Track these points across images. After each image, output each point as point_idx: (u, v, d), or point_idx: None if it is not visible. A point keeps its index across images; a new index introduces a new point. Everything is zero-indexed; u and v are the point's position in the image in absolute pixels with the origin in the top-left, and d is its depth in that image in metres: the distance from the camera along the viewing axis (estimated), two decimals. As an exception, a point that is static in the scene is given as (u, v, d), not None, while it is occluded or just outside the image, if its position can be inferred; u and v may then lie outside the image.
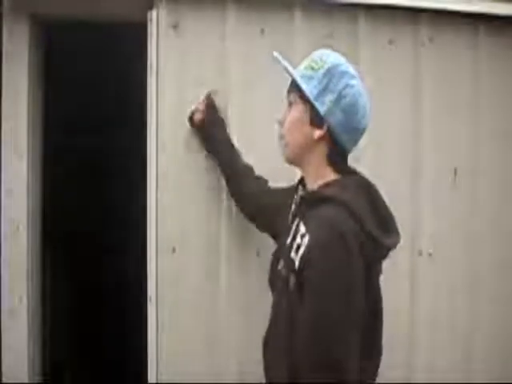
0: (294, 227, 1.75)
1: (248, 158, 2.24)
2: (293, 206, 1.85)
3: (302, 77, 1.73)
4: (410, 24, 2.40)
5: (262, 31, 2.30)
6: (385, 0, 2.33)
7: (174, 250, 2.25)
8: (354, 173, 1.80)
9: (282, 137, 1.81)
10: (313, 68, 1.73)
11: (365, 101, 1.74)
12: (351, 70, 1.75)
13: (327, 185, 1.74)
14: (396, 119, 2.42)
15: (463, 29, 2.43)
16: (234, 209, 2.27)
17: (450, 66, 2.45)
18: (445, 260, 2.44)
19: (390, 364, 2.11)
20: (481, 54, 2.47)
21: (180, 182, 2.26)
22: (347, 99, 1.70)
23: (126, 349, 2.44)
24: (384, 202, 1.76)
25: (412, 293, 2.41)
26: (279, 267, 1.77)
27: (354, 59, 2.25)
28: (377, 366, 1.77)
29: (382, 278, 2.06)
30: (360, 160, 2.25)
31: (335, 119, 1.71)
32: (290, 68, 1.76)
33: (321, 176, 1.76)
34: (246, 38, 2.28)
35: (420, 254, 2.42)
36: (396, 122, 2.42)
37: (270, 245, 2.18)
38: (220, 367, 2.28)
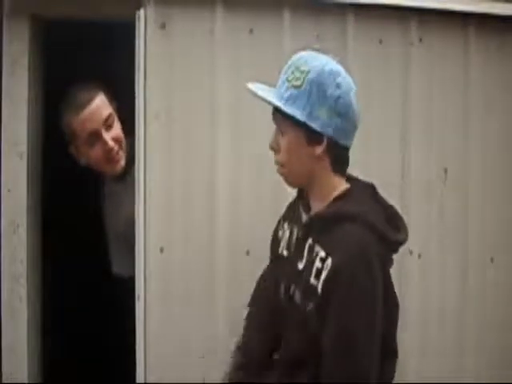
0: (306, 251, 1.56)
1: (238, 156, 2.12)
2: (295, 228, 1.66)
3: (287, 100, 1.51)
4: (400, 24, 2.23)
5: (251, 31, 2.13)
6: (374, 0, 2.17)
7: (161, 250, 2.09)
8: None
9: (279, 163, 1.60)
10: (296, 86, 1.50)
11: (353, 88, 1.56)
12: (334, 66, 1.54)
13: (340, 197, 1.56)
14: (385, 119, 2.25)
15: (453, 28, 2.27)
16: (224, 208, 2.13)
17: (440, 65, 2.28)
18: (434, 260, 2.29)
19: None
20: (470, 53, 2.30)
21: (168, 181, 2.11)
22: (340, 101, 1.50)
23: (127, 349, 2.25)
24: (388, 203, 1.63)
25: (401, 293, 2.17)
26: (291, 293, 1.59)
27: (343, 59, 2.12)
28: (394, 366, 1.63)
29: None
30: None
31: (334, 127, 1.51)
32: (271, 99, 1.53)
33: (330, 188, 1.58)
34: (234, 38, 2.12)
35: (410, 253, 2.25)
36: (385, 121, 2.25)
37: (260, 244, 2.04)
38: (208, 367, 2.12)
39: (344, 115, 1.50)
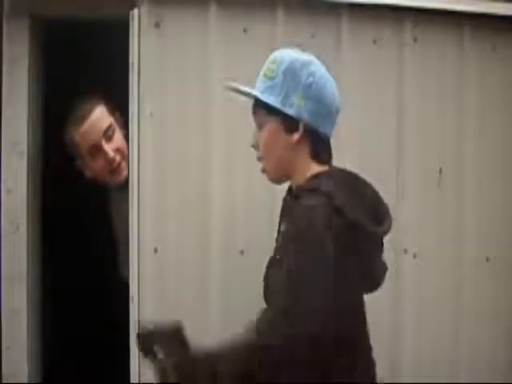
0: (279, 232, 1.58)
1: (232, 155, 2.03)
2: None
3: (264, 91, 1.52)
4: (394, 23, 2.14)
5: (245, 30, 2.05)
6: (368, -1, 2.11)
7: (155, 251, 2.00)
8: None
9: (260, 159, 1.59)
10: (270, 77, 1.52)
11: (329, 78, 1.55)
12: (306, 57, 1.54)
13: (314, 177, 1.52)
14: (380, 119, 2.16)
15: (448, 28, 2.18)
16: (218, 207, 2.04)
17: (435, 65, 2.19)
18: (429, 259, 2.19)
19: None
20: (465, 53, 2.21)
21: (162, 181, 2.02)
22: (313, 87, 1.50)
23: (127, 348, 2.16)
24: (373, 191, 1.55)
25: (396, 292, 2.15)
26: (265, 278, 1.58)
27: (337, 59, 2.09)
28: (366, 365, 1.53)
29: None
30: (343, 160, 1.98)
31: (309, 112, 1.50)
32: (249, 90, 1.56)
33: (308, 173, 1.54)
34: (228, 37, 2.04)
35: (405, 253, 2.16)
36: (380, 121, 2.16)
37: (254, 244, 2.02)
38: None
39: (318, 101, 1.50)
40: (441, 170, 2.18)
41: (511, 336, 2.25)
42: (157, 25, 1.98)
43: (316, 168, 1.53)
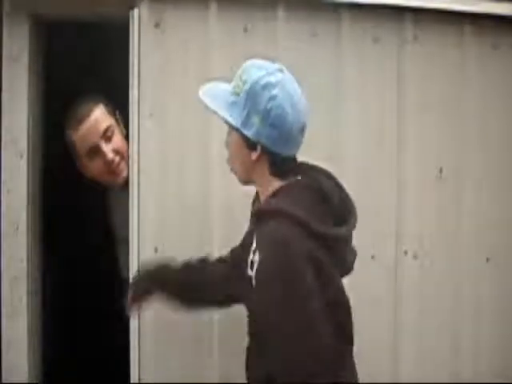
0: (250, 244, 1.57)
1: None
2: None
3: (229, 107, 1.52)
4: (395, 22, 2.13)
5: (245, 29, 2.04)
6: (369, -2, 2.09)
7: (156, 250, 2.00)
8: (303, 172, 1.58)
9: (229, 161, 1.62)
10: (236, 93, 1.51)
11: (295, 101, 1.50)
12: (274, 78, 1.49)
13: (274, 194, 1.54)
14: (380, 118, 2.14)
15: (448, 27, 2.16)
16: (219, 207, 2.03)
17: (435, 64, 2.17)
18: (430, 260, 2.18)
19: (373, 366, 2.00)
20: (466, 52, 2.19)
21: (163, 180, 2.01)
22: (273, 112, 1.47)
23: (127, 348, 2.16)
24: (340, 193, 1.55)
25: (397, 293, 2.14)
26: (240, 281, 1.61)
27: (337, 58, 2.08)
28: (350, 353, 1.57)
29: (366, 278, 1.97)
30: (343, 160, 2.04)
31: (266, 136, 1.49)
32: (212, 105, 1.53)
33: (269, 187, 1.56)
34: (228, 36, 2.03)
35: (405, 253, 2.15)
36: (380, 120, 2.14)
37: None
38: (202, 367, 2.03)
39: (277, 126, 1.48)
40: (441, 170, 2.16)
41: (511, 336, 2.23)
42: (157, 25, 1.97)
43: (276, 183, 1.54)
